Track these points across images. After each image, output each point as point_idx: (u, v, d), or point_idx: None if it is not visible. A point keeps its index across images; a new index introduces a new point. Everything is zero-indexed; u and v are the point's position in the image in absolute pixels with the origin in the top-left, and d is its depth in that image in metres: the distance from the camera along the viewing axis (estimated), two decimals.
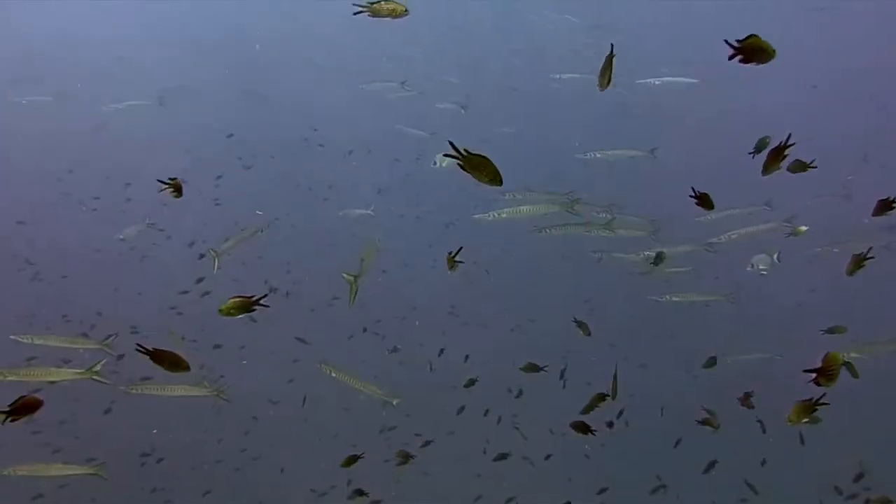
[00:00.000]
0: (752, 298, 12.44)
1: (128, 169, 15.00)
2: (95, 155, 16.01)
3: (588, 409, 7.18)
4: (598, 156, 10.53)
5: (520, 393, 10.15)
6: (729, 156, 17.04)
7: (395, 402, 8.36)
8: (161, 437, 12.29)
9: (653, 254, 10.07)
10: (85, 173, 15.34)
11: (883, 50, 18.60)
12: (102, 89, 16.69)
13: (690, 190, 5.55)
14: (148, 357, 4.47)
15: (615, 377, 7.25)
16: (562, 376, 11.28)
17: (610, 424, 9.01)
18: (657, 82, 14.23)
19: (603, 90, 4.90)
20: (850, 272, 6.20)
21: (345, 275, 6.42)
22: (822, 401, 5.16)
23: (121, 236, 13.01)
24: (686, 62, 15.45)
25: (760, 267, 9.43)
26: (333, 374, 7.88)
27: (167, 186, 5.25)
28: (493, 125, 17.59)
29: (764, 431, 9.87)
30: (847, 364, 7.59)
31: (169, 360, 4.62)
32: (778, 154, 5.36)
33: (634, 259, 10.70)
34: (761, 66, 4.03)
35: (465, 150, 3.78)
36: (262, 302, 4.49)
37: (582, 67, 16.28)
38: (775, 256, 9.49)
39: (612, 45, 4.79)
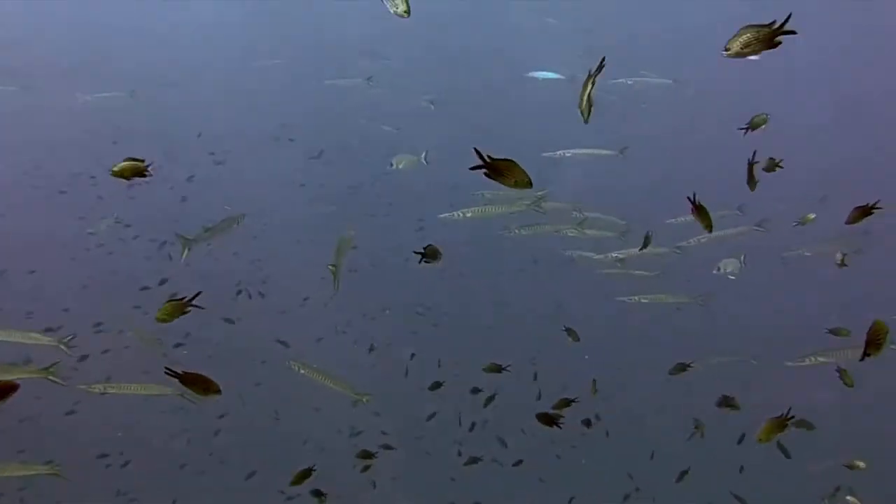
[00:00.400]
0: (725, 302, 12.42)
1: (96, 163, 14.67)
2: (63, 148, 15.62)
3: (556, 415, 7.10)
4: (568, 155, 10.40)
5: (492, 398, 9.98)
6: (703, 158, 17.20)
7: (365, 400, 8.18)
8: (127, 439, 12.05)
9: (622, 255, 10.04)
10: (53, 167, 14.99)
11: (861, 51, 18.78)
12: (71, 82, 16.34)
13: (688, 200, 5.26)
14: (177, 380, 4.29)
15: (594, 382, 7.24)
16: (535, 378, 11.18)
17: (587, 423, 8.94)
18: (630, 82, 14.29)
19: (587, 121, 4.22)
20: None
21: (329, 267, 6.68)
22: (790, 415, 5.12)
23: (91, 230, 12.74)
24: (668, 66, 15.50)
25: (728, 270, 9.39)
26: (303, 372, 7.69)
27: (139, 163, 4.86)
28: (465, 122, 17.51)
29: (740, 442, 9.70)
30: (842, 371, 7.65)
31: (200, 383, 4.42)
32: (751, 169, 5.44)
33: (603, 260, 10.63)
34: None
35: (489, 156, 3.58)
36: (194, 302, 4.36)
37: (560, 69, 16.30)
38: (741, 259, 9.48)
39: (596, 69, 4.02)
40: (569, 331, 8.66)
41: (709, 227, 5.28)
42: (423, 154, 9.62)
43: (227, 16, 20.63)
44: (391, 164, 9.52)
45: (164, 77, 17.97)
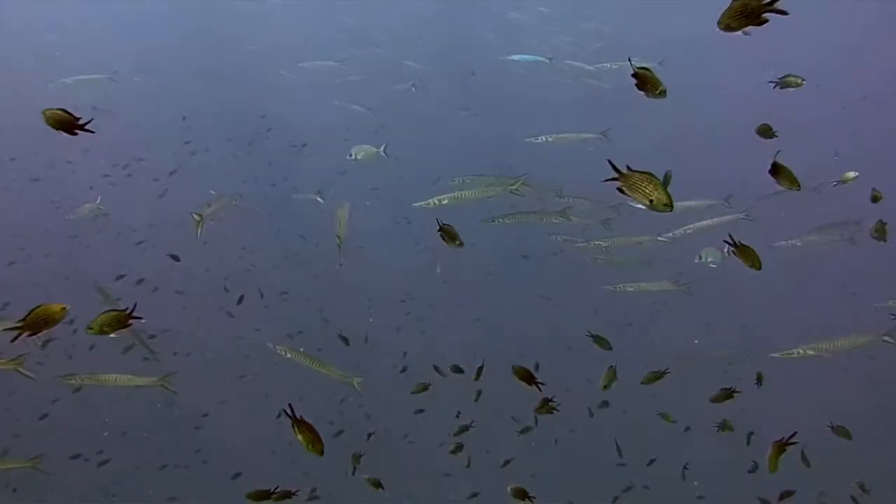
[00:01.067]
0: (715, 291, 12.28)
1: (73, 151, 14.33)
2: (39, 134, 15.20)
3: (542, 410, 6.95)
4: (550, 139, 10.14)
5: (478, 395, 9.78)
6: (692, 146, 17.07)
7: (355, 383, 7.99)
8: (108, 436, 11.86)
9: (606, 243, 9.89)
10: (28, 158, 14.63)
11: (856, 43, 18.71)
12: (49, 65, 15.94)
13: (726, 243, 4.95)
14: (292, 424, 4.42)
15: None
16: (536, 368, 10.88)
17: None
18: (614, 66, 14.06)
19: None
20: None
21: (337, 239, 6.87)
22: (792, 440, 4.99)
23: (72, 216, 12.47)
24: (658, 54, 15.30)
25: (709, 259, 9.25)
26: (289, 356, 7.58)
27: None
28: (449, 109, 17.36)
29: (748, 443, 9.33)
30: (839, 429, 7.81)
31: (310, 434, 4.55)
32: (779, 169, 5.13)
33: (586, 247, 10.44)
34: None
35: (628, 166, 3.29)
36: (135, 314, 4.19)
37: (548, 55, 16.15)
38: (726, 250, 9.30)
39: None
40: (597, 338, 8.00)
41: (756, 265, 5.00)
42: (383, 146, 9.40)
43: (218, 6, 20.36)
44: (350, 155, 9.32)
45: (145, 62, 17.59)
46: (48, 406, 11.13)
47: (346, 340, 10.97)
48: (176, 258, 12.20)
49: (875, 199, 6.25)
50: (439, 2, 21.18)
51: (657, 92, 4.08)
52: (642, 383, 7.65)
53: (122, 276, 11.85)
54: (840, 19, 18.90)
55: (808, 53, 17.48)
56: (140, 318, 4.15)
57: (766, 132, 5.89)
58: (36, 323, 3.97)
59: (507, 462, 11.17)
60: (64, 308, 3.96)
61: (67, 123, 4.02)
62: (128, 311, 4.18)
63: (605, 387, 6.97)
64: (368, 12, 20.95)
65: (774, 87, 6.03)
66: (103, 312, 4.20)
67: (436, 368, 9.78)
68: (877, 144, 17.01)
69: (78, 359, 11.10)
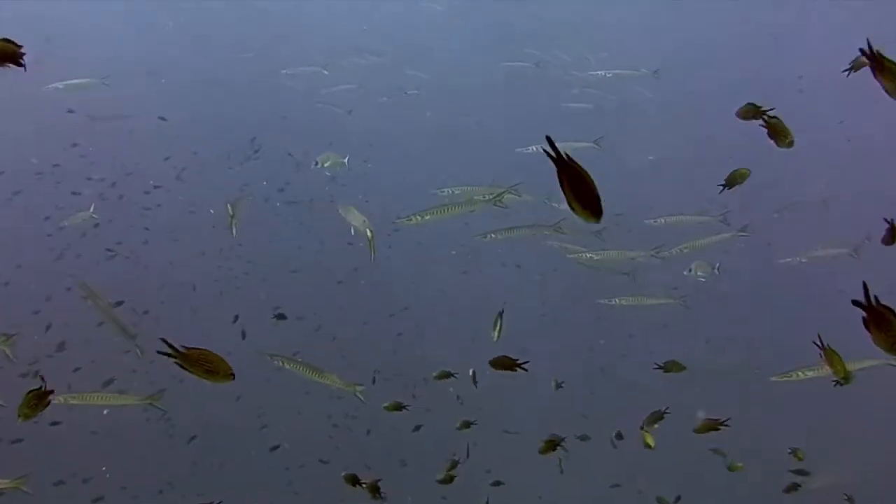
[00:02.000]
0: (715, 306, 12.07)
1: (64, 157, 14.19)
2: (31, 145, 15.02)
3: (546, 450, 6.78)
4: (543, 150, 9.93)
5: (468, 423, 9.59)
6: (691, 158, 16.86)
7: (357, 390, 7.88)
8: (96, 461, 11.67)
9: (597, 256, 9.76)
10: (15, 167, 14.45)
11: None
12: (40, 70, 15.76)
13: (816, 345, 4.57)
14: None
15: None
16: (558, 387, 10.64)
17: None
18: (609, 75, 13.92)
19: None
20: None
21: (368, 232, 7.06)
22: None
23: (66, 223, 12.33)
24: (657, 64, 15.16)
25: (699, 273, 9.15)
26: (289, 367, 7.38)
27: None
28: (449, 117, 17.25)
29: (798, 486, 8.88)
30: None
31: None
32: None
33: (577, 259, 10.26)
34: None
35: (876, 298, 2.96)
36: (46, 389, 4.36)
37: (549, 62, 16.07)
38: (716, 268, 9.24)
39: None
40: (668, 365, 7.62)
41: (844, 377, 4.70)
42: (346, 157, 9.35)
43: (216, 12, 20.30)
44: (316, 163, 9.25)
45: (140, 67, 17.44)
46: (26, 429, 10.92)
47: (374, 380, 10.79)
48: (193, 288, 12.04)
49: None
50: (440, 11, 21.11)
51: (787, 142, 3.93)
52: (641, 429, 7.34)
53: (120, 303, 11.57)
54: (844, 26, 18.71)
55: (807, 61, 17.31)
56: (51, 391, 4.31)
57: (758, 114, 5.14)
58: (195, 360, 3.60)
59: (497, 482, 10.91)
60: (231, 375, 3.67)
61: (12, 55, 3.81)
62: (45, 389, 4.30)
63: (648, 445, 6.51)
64: (370, 21, 20.91)
65: (848, 74, 5.72)
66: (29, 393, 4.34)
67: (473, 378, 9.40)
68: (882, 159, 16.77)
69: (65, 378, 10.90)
